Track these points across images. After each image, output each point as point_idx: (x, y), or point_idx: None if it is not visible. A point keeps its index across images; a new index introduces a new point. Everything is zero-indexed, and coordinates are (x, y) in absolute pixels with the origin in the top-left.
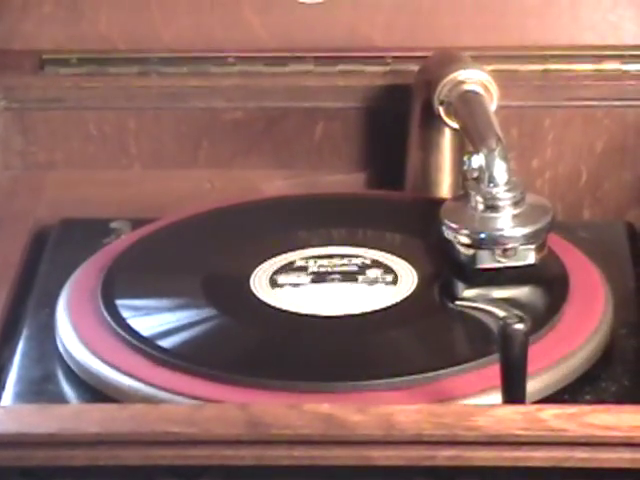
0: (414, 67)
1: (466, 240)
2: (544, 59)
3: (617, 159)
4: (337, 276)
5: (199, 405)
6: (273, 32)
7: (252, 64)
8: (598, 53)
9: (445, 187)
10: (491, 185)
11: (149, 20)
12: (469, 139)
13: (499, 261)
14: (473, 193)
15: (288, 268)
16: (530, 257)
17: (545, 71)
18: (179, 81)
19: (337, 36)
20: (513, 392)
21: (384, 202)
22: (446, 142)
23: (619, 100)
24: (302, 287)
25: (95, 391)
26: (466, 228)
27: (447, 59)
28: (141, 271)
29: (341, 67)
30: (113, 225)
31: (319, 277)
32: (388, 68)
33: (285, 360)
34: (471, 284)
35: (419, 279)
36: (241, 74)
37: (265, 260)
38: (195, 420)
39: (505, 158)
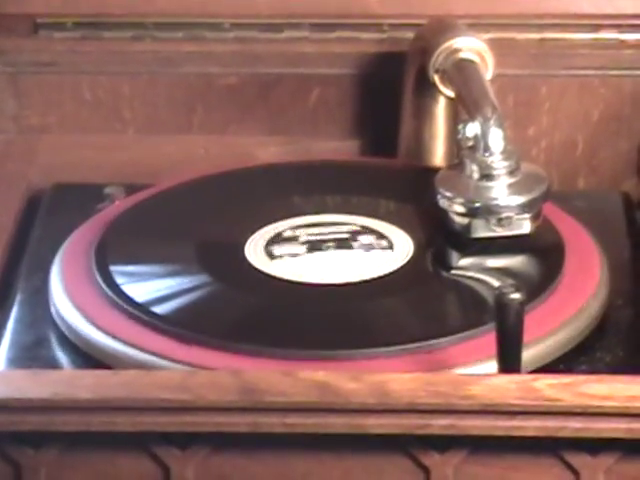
0: (410, 34)
1: (461, 209)
2: (541, 28)
3: (613, 128)
4: (332, 244)
5: (192, 371)
6: None
7: (247, 30)
8: (595, 22)
9: (439, 155)
10: (486, 154)
11: None
12: (464, 107)
13: (494, 230)
14: (468, 162)
15: (280, 239)
16: (525, 226)
17: (542, 40)
18: (174, 46)
19: (333, 2)
20: (508, 361)
21: (379, 169)
22: (440, 110)
23: (616, 69)
24: (300, 257)
25: (88, 357)
26: (461, 197)
27: (442, 27)
28: (135, 237)
29: (337, 34)
30: (107, 190)
31: (314, 245)
32: (384, 35)
33: (279, 327)
34: (466, 253)
35: (415, 247)
36: (236, 40)
37: (260, 227)
38: (188, 386)
39: (501, 127)
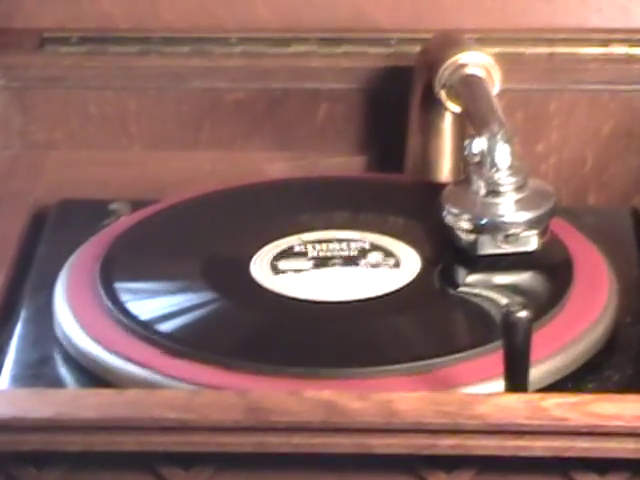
0: (419, 49)
1: (467, 225)
2: (550, 42)
3: (623, 144)
4: (338, 260)
5: (197, 391)
6: (276, 12)
7: (255, 44)
8: (605, 37)
9: (445, 171)
10: (493, 170)
11: None
12: (471, 123)
13: (501, 247)
14: (475, 178)
15: (289, 253)
16: (532, 243)
17: (551, 54)
18: (181, 61)
19: (341, 17)
20: (516, 380)
21: (386, 185)
22: (447, 126)
23: (626, 84)
24: (304, 272)
25: (92, 375)
26: (467, 213)
27: (448, 42)
28: (140, 254)
29: (344, 48)
30: (112, 207)
31: (320, 262)
32: (392, 50)
33: (285, 346)
34: (473, 270)
35: (422, 264)
36: (244, 54)
37: (266, 244)
38: (193, 406)
39: (508, 142)
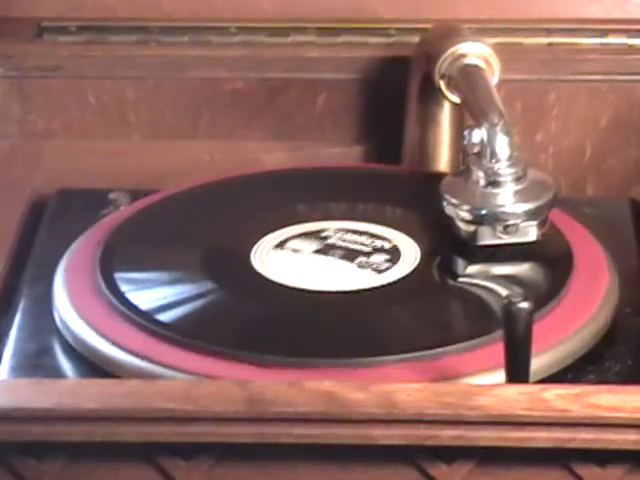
0: (417, 39)
1: (467, 216)
2: (549, 32)
3: (622, 134)
4: (339, 252)
5: (197, 381)
6: (275, 2)
7: (254, 34)
8: (604, 27)
9: (443, 162)
10: (493, 160)
11: None
12: (470, 113)
13: (500, 238)
14: (474, 168)
15: (288, 245)
16: (531, 234)
17: (550, 44)
18: (180, 51)
19: (340, 7)
20: (517, 371)
21: (385, 176)
22: (445, 116)
23: (625, 75)
24: (301, 257)
25: (92, 365)
26: (467, 204)
27: (447, 32)
28: (140, 244)
29: (343, 38)
30: (111, 196)
31: (321, 250)
32: (391, 40)
33: (285, 336)
34: (472, 261)
35: (422, 255)
36: (242, 44)
37: (266, 234)
38: (193, 397)
39: (507, 133)
